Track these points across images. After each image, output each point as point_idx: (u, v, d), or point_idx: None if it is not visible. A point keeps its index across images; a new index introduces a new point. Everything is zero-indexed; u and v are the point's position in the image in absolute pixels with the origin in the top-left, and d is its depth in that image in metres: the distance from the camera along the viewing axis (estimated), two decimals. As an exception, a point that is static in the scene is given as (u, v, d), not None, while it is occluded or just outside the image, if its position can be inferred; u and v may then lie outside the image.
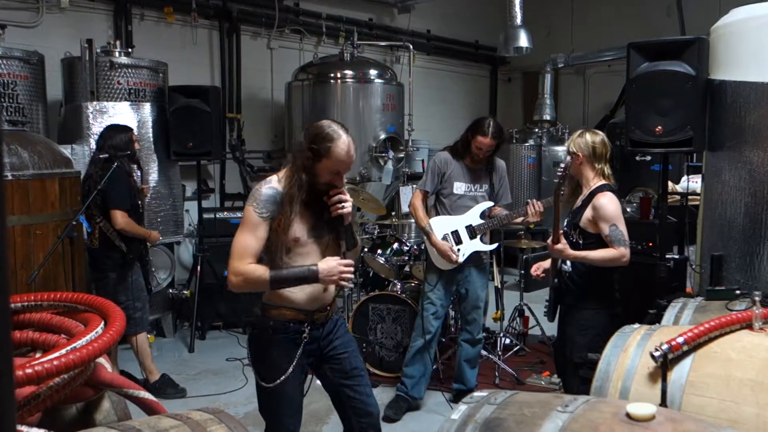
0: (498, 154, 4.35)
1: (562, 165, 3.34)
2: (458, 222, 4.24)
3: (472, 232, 4.23)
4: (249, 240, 2.59)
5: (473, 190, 4.28)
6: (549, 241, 3.38)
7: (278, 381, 2.67)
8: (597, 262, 3.30)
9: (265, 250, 2.65)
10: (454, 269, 4.28)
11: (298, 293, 2.66)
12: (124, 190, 4.40)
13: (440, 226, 4.25)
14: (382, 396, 4.50)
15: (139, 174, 4.76)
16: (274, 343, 2.70)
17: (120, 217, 4.33)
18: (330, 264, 2.58)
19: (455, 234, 4.23)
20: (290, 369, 2.68)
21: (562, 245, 3.32)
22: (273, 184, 2.63)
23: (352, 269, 2.63)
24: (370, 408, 2.89)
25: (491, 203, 4.31)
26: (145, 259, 4.64)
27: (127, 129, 4.70)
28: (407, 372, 4.42)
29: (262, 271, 2.58)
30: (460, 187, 4.26)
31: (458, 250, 4.21)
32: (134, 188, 4.50)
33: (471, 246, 4.24)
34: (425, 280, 4.42)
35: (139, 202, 4.59)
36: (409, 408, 4.40)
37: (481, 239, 4.27)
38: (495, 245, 4.59)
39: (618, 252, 3.25)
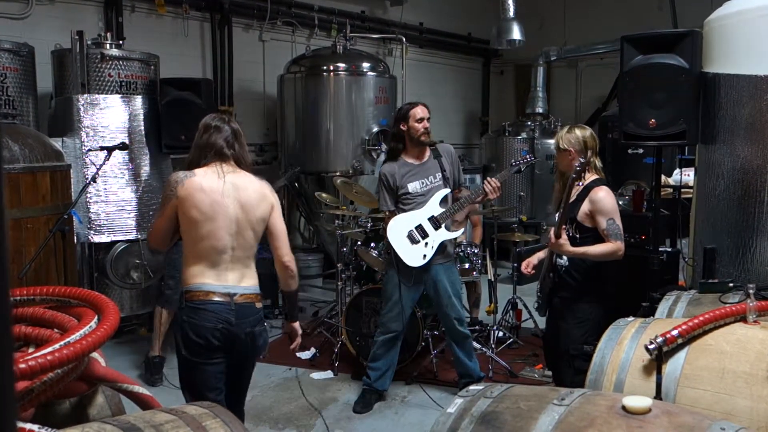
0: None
1: (581, 160, 3.23)
2: (419, 216, 4.17)
3: (435, 222, 4.15)
4: None
5: (429, 183, 4.21)
6: (551, 234, 3.35)
7: None
8: (595, 257, 3.33)
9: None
10: (421, 268, 4.19)
11: None
12: None
13: (402, 224, 4.17)
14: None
15: None
16: None
17: None
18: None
19: (419, 228, 4.17)
20: None
21: (564, 240, 3.32)
22: None
23: None
24: None
25: (448, 190, 4.23)
26: None
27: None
28: (373, 365, 4.41)
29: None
30: (415, 186, 4.19)
31: (426, 243, 4.16)
32: None
33: (438, 236, 4.17)
34: (389, 281, 4.33)
35: None
36: (378, 399, 4.42)
37: (446, 227, 4.22)
38: (461, 230, 4.52)
39: (615, 246, 3.29)
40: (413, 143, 4.20)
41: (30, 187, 4.14)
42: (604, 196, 3.32)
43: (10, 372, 0.66)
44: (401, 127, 4.20)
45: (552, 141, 8.55)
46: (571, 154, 3.41)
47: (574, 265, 3.43)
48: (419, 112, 4.16)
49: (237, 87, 7.42)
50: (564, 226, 3.38)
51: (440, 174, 4.23)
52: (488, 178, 4.08)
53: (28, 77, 5.21)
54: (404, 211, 4.21)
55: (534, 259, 3.73)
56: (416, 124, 4.15)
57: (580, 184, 3.41)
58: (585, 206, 3.35)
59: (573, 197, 3.42)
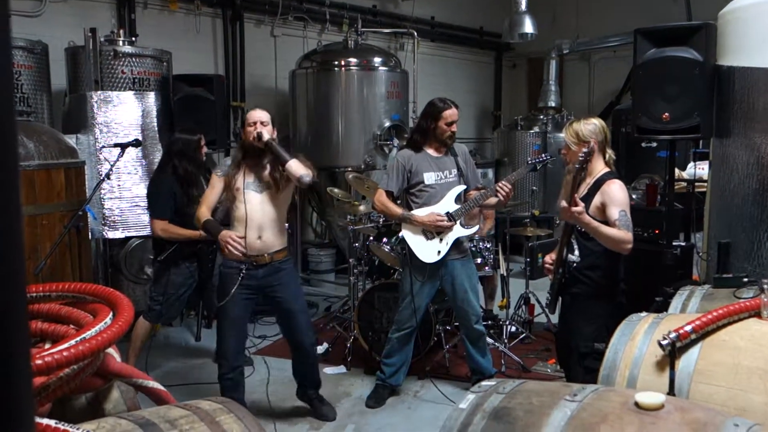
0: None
1: (585, 150, 3.13)
2: (435, 212, 4.14)
3: (450, 218, 4.11)
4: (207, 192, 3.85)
5: (444, 177, 4.18)
6: (563, 204, 3.13)
7: (223, 302, 3.71)
8: (604, 238, 3.17)
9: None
10: (436, 264, 4.18)
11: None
12: (162, 199, 4.44)
13: None
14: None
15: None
16: (223, 275, 3.79)
17: (154, 226, 4.48)
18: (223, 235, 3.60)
19: None
20: (230, 294, 3.66)
21: (581, 207, 3.10)
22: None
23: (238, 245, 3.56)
24: (298, 343, 3.97)
25: (463, 187, 4.21)
26: (206, 257, 4.63)
27: (190, 131, 4.70)
28: (387, 361, 4.41)
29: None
30: (430, 177, 4.16)
31: (440, 239, 4.15)
32: (183, 196, 4.45)
33: (453, 233, 4.16)
34: (404, 278, 4.30)
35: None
36: (391, 394, 4.43)
37: (461, 224, 4.19)
38: (476, 227, 4.50)
39: (627, 235, 3.14)
40: (436, 140, 4.19)
41: (45, 183, 4.18)
42: (617, 188, 3.20)
43: (28, 368, 0.67)
44: (429, 123, 4.16)
45: (564, 135, 8.56)
46: (589, 146, 3.31)
47: (586, 261, 3.31)
48: (452, 115, 4.11)
49: (249, 83, 7.44)
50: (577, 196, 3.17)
51: (456, 170, 4.22)
52: (500, 183, 4.02)
53: (42, 75, 5.26)
54: (418, 204, 4.20)
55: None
56: (444, 126, 4.12)
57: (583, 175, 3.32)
58: (597, 199, 3.24)
59: (584, 191, 3.34)
